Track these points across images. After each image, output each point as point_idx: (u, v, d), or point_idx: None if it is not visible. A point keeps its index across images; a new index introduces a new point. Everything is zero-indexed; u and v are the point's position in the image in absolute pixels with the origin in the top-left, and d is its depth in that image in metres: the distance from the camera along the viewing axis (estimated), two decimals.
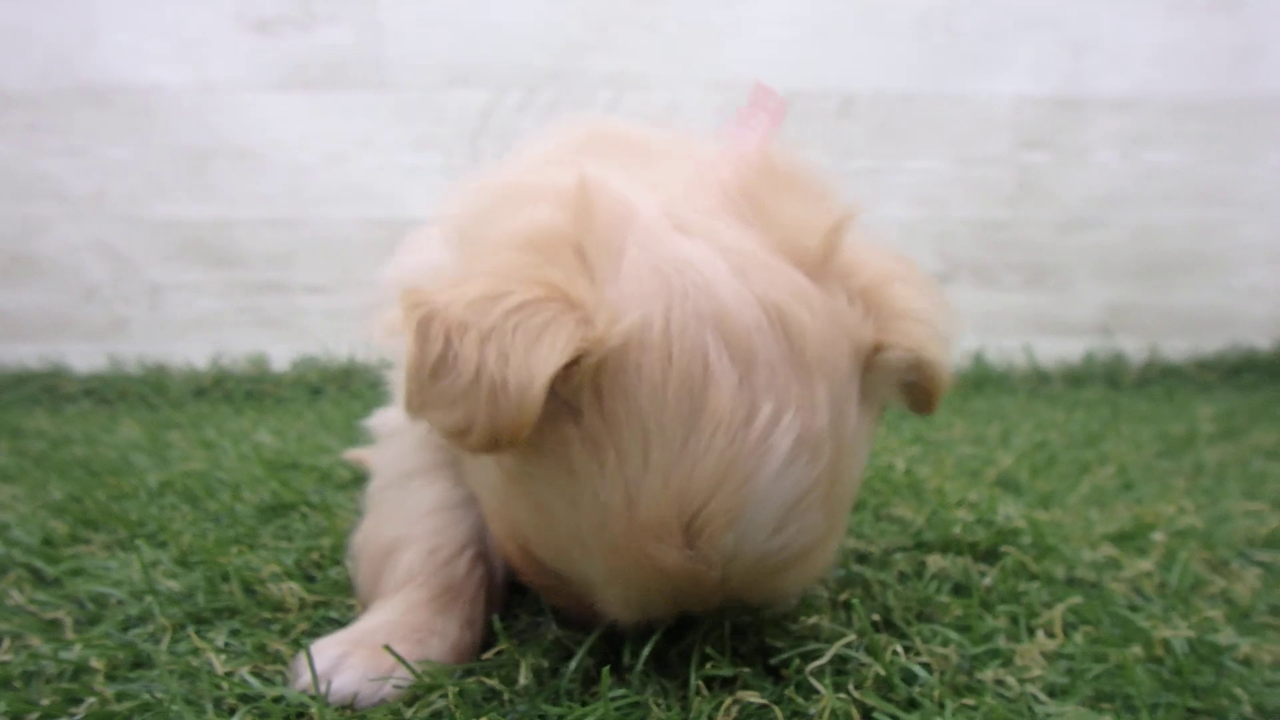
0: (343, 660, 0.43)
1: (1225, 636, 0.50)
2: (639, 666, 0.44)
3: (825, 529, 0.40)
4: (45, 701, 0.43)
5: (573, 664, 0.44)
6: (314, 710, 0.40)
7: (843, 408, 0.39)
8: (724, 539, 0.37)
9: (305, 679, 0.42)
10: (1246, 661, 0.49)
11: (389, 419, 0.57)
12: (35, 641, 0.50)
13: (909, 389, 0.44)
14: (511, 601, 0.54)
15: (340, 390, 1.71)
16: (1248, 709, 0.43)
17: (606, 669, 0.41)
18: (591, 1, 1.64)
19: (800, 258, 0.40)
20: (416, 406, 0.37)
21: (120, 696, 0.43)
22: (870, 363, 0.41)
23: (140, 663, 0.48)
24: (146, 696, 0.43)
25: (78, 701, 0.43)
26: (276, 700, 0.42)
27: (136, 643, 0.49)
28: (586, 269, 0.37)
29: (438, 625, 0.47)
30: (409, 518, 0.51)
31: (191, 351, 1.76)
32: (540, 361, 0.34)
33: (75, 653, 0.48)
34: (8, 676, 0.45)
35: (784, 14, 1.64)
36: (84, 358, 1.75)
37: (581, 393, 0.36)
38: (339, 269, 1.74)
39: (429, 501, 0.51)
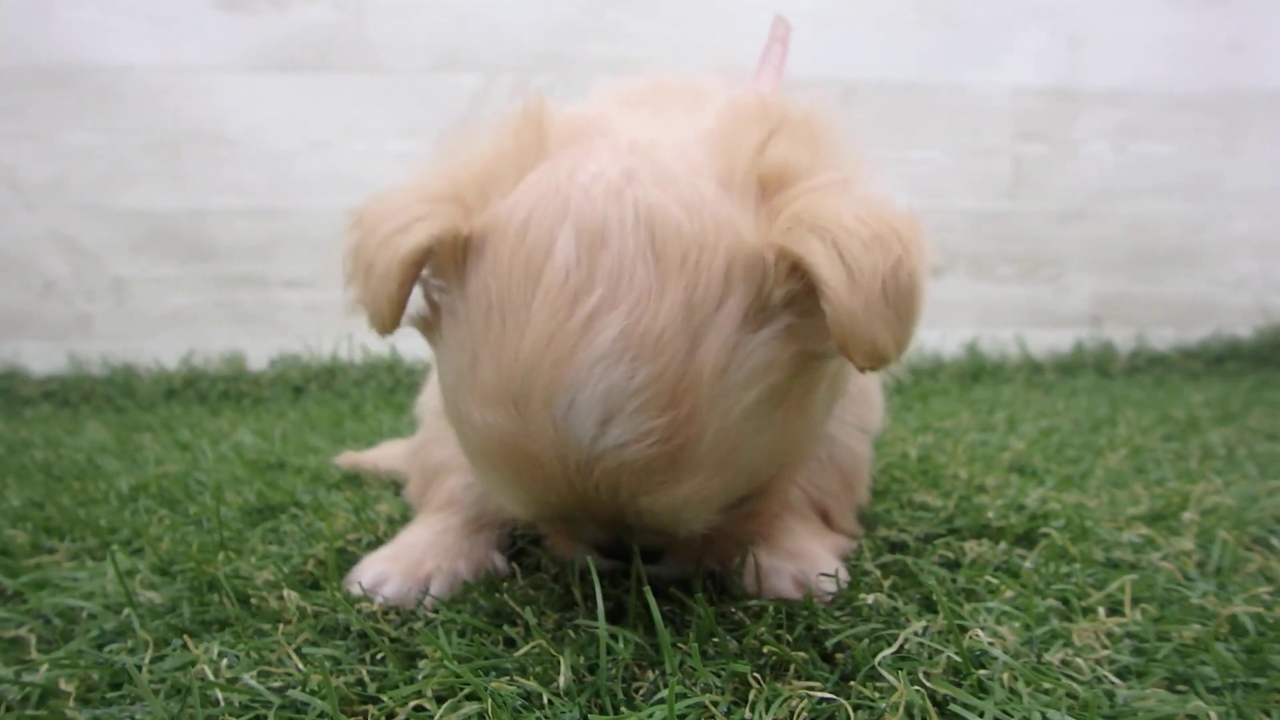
0: (386, 576, 0.52)
1: None
2: (677, 663, 0.40)
3: (678, 443, 0.38)
4: None
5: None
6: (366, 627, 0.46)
7: (709, 319, 0.38)
8: (545, 414, 0.38)
9: (356, 590, 0.51)
10: None
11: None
12: None
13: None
14: (539, 600, 0.50)
15: (324, 389, 1.63)
16: None
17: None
18: None
19: (729, 173, 0.40)
20: (349, 291, 0.43)
21: None
22: (764, 281, 0.38)
23: (119, 682, 0.42)
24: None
25: None
26: (284, 706, 0.38)
27: (114, 660, 0.44)
28: (493, 180, 0.42)
29: (466, 548, 0.55)
30: (454, 448, 0.55)
31: (161, 350, 1.67)
32: (401, 245, 0.40)
33: (41, 674, 0.43)
34: None
35: (785, 0, 1.63)
36: (43, 357, 1.64)
37: (449, 274, 0.42)
38: (321, 262, 1.66)
39: None
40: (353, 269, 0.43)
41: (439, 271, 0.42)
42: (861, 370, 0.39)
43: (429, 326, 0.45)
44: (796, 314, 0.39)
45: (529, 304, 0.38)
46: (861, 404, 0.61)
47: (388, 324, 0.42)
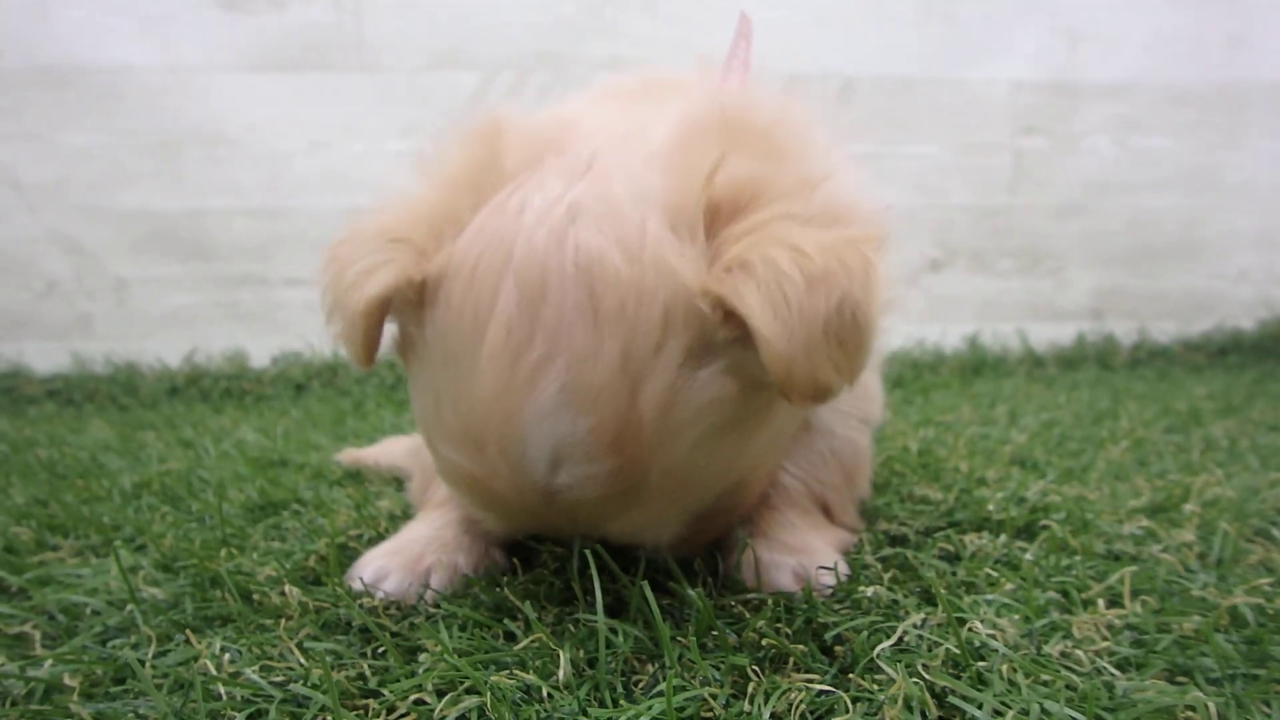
0: (386, 571, 0.52)
1: None
2: (676, 656, 0.40)
3: (627, 483, 0.40)
4: None
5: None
6: (367, 621, 0.46)
7: (649, 365, 0.38)
8: (500, 461, 0.40)
9: (357, 585, 0.52)
10: None
11: None
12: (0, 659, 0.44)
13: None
14: (539, 594, 0.50)
15: (326, 386, 1.64)
16: None
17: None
18: None
19: (679, 205, 0.40)
20: (327, 323, 0.45)
21: (99, 716, 0.39)
22: (706, 323, 0.38)
23: (122, 677, 0.43)
24: (131, 715, 0.38)
25: None
26: (285, 700, 0.38)
27: (117, 655, 0.44)
28: (453, 219, 0.43)
29: (464, 542, 0.55)
30: None
31: (163, 349, 1.67)
32: (366, 290, 0.42)
33: (45, 670, 0.43)
34: None
35: None
36: (46, 357, 1.64)
37: (410, 317, 0.44)
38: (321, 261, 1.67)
39: None
40: (329, 307, 0.45)
41: (402, 315, 0.44)
42: (803, 406, 0.40)
43: (403, 355, 0.47)
44: (741, 349, 0.39)
45: (477, 356, 0.40)
46: (860, 396, 0.61)
47: (362, 362, 0.44)
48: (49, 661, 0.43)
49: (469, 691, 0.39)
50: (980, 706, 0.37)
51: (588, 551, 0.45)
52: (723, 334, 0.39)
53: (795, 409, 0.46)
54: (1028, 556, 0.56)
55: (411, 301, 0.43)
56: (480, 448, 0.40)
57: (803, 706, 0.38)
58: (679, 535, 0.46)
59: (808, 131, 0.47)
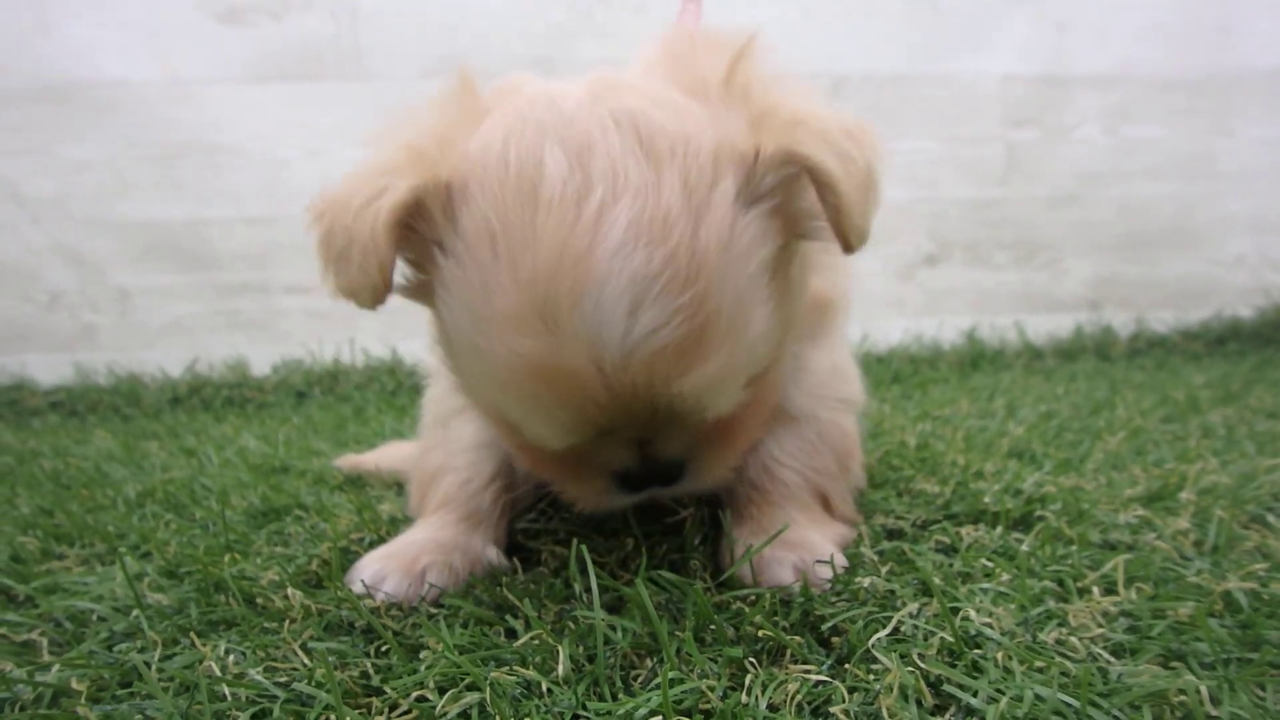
0: (383, 574, 0.53)
1: None
2: (675, 648, 0.41)
3: (702, 319, 0.39)
4: None
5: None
6: (371, 620, 0.46)
7: (706, 199, 0.40)
8: (575, 318, 0.38)
9: (357, 587, 0.52)
10: None
11: (430, 360, 0.64)
12: (8, 665, 0.45)
13: (819, 205, 0.42)
14: (540, 593, 0.51)
15: (327, 393, 1.64)
16: None
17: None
18: None
19: (695, 87, 0.43)
20: (328, 282, 0.43)
21: (107, 718, 0.39)
22: (755, 169, 0.42)
23: (129, 681, 0.43)
24: (138, 717, 0.39)
25: None
26: (289, 700, 0.38)
27: (124, 660, 0.45)
28: (451, 135, 0.43)
29: (462, 541, 0.56)
30: (449, 450, 0.61)
31: (165, 358, 1.68)
32: (382, 207, 0.40)
33: (53, 675, 0.44)
34: None
35: None
36: (49, 369, 1.66)
37: (438, 223, 0.42)
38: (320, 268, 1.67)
39: (465, 439, 0.61)
40: (327, 256, 0.43)
41: (426, 222, 0.42)
42: (847, 250, 0.43)
43: (422, 288, 0.45)
44: (781, 196, 0.43)
45: (533, 221, 0.39)
46: (838, 379, 0.62)
47: (381, 292, 0.42)
48: (56, 667, 0.44)
49: (470, 688, 0.39)
50: (975, 694, 0.37)
51: (584, 548, 0.46)
52: (770, 180, 0.42)
53: (801, 284, 0.49)
54: (1024, 547, 0.57)
55: (439, 204, 0.41)
56: (550, 316, 0.38)
57: (799, 697, 0.38)
58: (738, 402, 0.45)
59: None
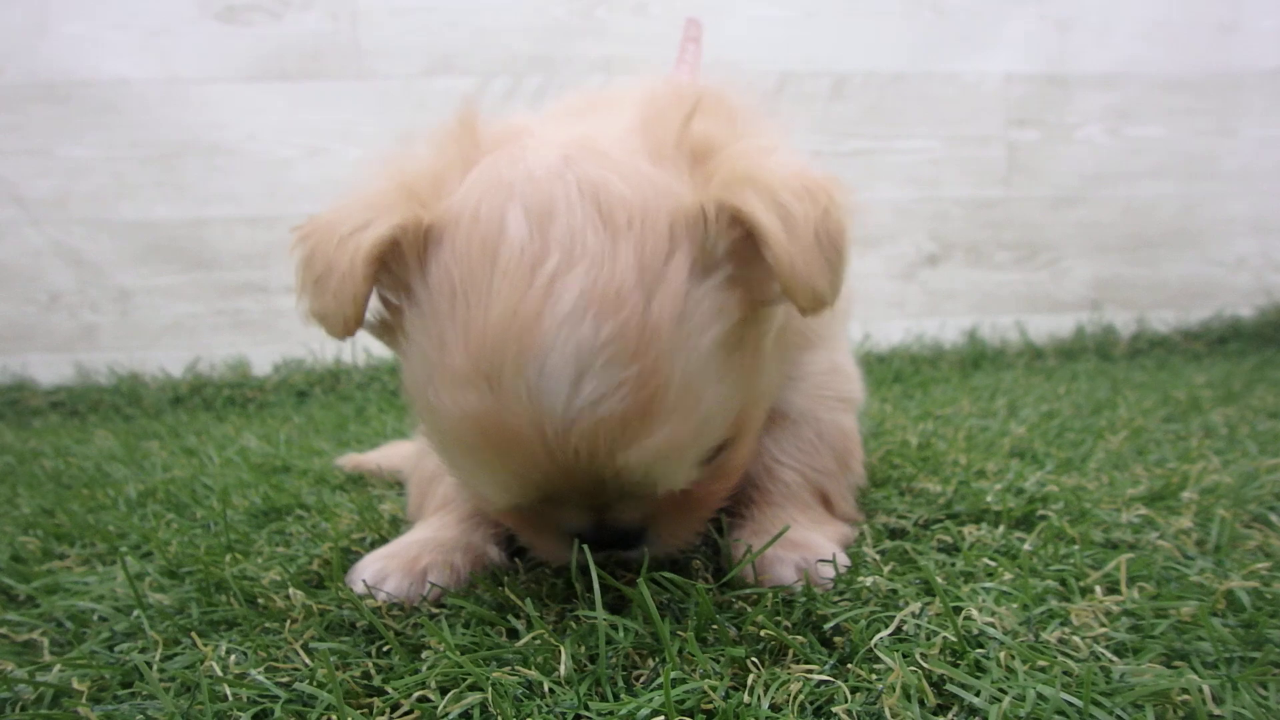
0: (385, 574, 0.53)
1: None
2: (676, 646, 0.41)
3: (649, 392, 0.39)
4: None
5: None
6: (373, 620, 0.46)
7: (661, 272, 0.40)
8: (519, 382, 0.39)
9: (358, 587, 0.52)
10: None
11: None
12: (9, 665, 0.45)
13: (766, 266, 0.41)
14: (541, 592, 0.51)
15: (328, 393, 1.64)
16: None
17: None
18: None
19: (659, 152, 0.44)
20: (301, 304, 0.44)
21: (108, 718, 0.39)
22: (705, 234, 0.42)
23: (130, 681, 0.43)
24: (139, 717, 0.39)
25: None
26: (291, 700, 0.38)
27: (125, 660, 0.45)
28: (445, 177, 0.45)
29: (464, 540, 0.56)
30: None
31: (166, 358, 1.68)
32: (363, 241, 0.42)
33: (54, 675, 0.43)
34: None
35: None
36: (50, 369, 1.66)
37: (410, 267, 0.43)
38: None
39: None
40: (304, 280, 0.44)
41: (400, 264, 0.43)
42: (803, 313, 0.42)
43: (388, 329, 0.47)
44: (738, 264, 0.43)
45: (490, 281, 0.40)
46: (836, 378, 0.62)
47: (351, 324, 0.43)
48: (58, 667, 0.44)
49: (472, 688, 0.39)
50: (977, 693, 0.37)
51: (586, 548, 0.46)
52: (721, 245, 0.42)
53: (779, 354, 0.49)
54: (1026, 546, 0.57)
55: (414, 248, 0.42)
56: (495, 377, 0.39)
57: (802, 697, 0.38)
58: (691, 479, 0.44)
59: (754, 115, 0.51)
